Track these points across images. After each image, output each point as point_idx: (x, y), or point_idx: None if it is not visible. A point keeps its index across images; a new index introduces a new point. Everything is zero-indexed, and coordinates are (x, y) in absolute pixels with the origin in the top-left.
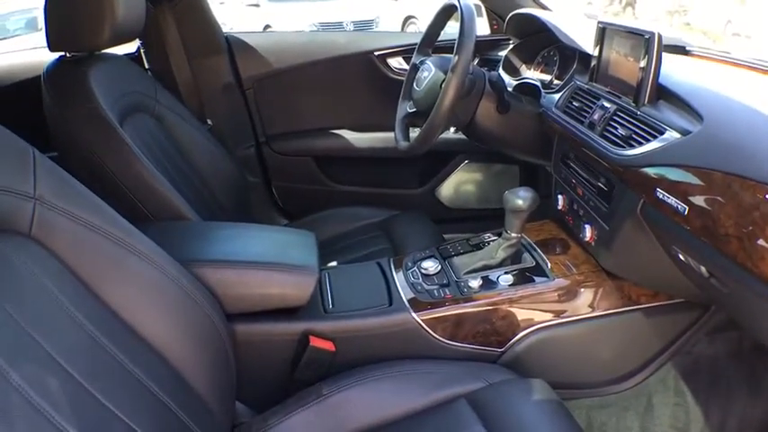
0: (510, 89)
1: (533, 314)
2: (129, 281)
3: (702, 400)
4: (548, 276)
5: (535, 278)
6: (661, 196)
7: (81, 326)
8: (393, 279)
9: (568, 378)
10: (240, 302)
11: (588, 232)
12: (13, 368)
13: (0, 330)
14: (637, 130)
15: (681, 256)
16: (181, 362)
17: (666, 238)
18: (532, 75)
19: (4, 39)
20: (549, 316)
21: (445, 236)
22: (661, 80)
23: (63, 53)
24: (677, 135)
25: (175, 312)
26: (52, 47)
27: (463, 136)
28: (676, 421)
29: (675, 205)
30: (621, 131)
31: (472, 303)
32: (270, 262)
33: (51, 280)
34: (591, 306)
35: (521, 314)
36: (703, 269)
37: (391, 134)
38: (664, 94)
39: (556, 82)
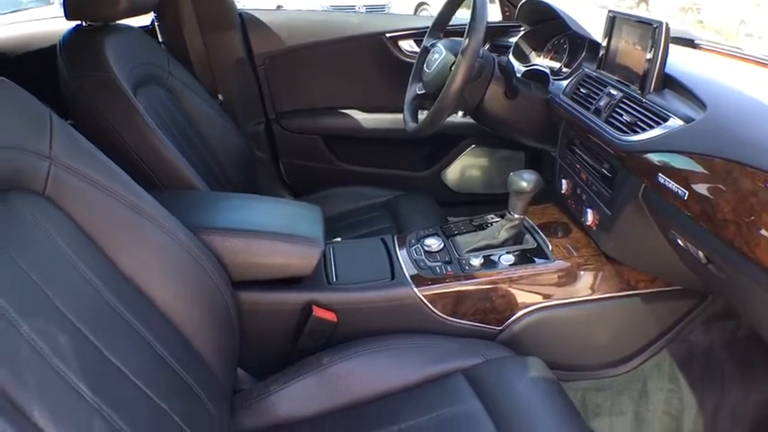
0: (519, 75)
1: (532, 294)
2: (138, 244)
3: (697, 388)
4: (548, 258)
5: (536, 259)
6: (662, 181)
7: (90, 284)
8: (396, 255)
9: (565, 359)
10: (246, 270)
11: (590, 216)
12: (24, 319)
13: (12, 283)
14: (641, 117)
15: (679, 242)
16: (186, 325)
17: (666, 222)
18: (542, 62)
19: (17, 11)
20: (547, 297)
21: (449, 219)
22: (667, 70)
23: (79, 22)
24: (680, 122)
25: (183, 277)
26: (69, 15)
27: (471, 120)
28: (670, 408)
29: (676, 190)
30: (626, 118)
31: (473, 281)
32: (276, 232)
33: (63, 238)
34: (589, 289)
35: (520, 294)
36: (701, 254)
37: (400, 116)
38: (669, 82)
39: (564, 69)
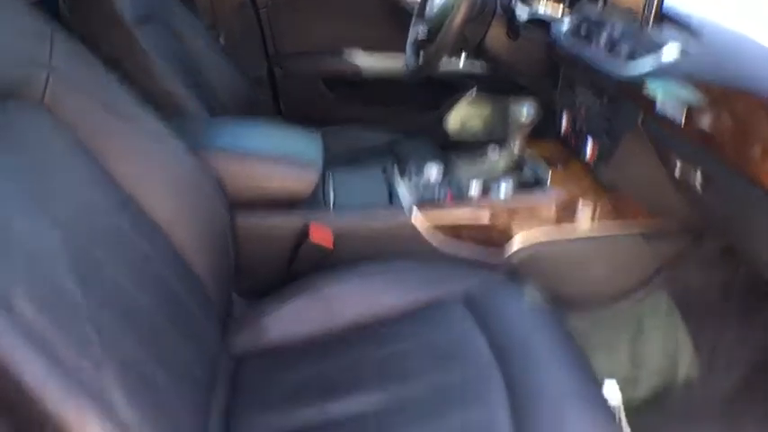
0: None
1: (530, 224)
2: (137, 158)
3: (693, 330)
4: (547, 189)
5: (535, 190)
6: (661, 108)
7: (89, 193)
8: (396, 182)
9: (562, 292)
10: (243, 192)
11: (589, 149)
12: (17, 220)
13: (8, 185)
14: (640, 49)
15: (677, 171)
16: (183, 242)
17: (665, 148)
18: (545, 7)
19: None
20: (545, 228)
21: None
22: (666, 9)
23: None
24: (678, 53)
25: (181, 194)
26: None
27: (473, 68)
28: (666, 349)
29: (674, 116)
30: (625, 51)
31: (472, 210)
32: (274, 154)
33: (61, 146)
34: (588, 221)
35: (518, 224)
36: (698, 181)
37: (401, 59)
38: (668, 18)
39: (566, 12)
